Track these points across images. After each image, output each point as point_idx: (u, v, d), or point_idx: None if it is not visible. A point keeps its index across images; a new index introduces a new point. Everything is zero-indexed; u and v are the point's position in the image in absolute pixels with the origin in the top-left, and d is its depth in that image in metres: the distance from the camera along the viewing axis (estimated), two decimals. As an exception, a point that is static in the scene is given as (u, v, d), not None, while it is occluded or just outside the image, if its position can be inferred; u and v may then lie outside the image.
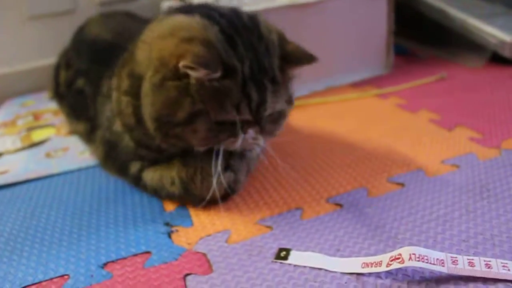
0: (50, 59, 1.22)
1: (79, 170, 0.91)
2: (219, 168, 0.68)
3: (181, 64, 0.59)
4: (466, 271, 0.52)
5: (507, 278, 0.51)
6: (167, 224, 0.69)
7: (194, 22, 0.64)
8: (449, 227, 0.62)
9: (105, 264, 0.62)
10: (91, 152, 0.94)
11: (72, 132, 1.07)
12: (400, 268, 0.54)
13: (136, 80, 0.68)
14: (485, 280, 0.51)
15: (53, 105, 1.21)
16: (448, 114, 0.99)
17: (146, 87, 0.65)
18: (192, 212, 0.72)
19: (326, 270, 0.56)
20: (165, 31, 0.65)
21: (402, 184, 0.74)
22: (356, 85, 1.25)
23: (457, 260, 0.53)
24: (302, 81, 0.72)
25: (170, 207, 0.74)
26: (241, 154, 0.75)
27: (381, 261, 0.55)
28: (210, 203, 0.71)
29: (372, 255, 0.58)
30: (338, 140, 0.93)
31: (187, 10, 0.69)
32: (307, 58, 0.68)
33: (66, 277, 0.60)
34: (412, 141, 0.89)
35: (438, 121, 0.96)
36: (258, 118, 0.66)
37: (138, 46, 0.70)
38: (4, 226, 0.74)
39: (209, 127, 0.64)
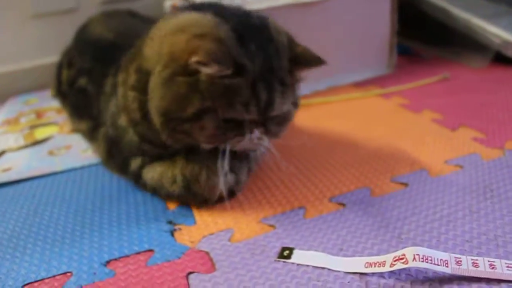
0: (53, 57, 1.22)
1: (82, 168, 0.91)
2: (226, 167, 0.68)
3: (193, 59, 0.59)
4: (470, 271, 0.52)
5: (511, 279, 0.51)
6: (170, 222, 0.69)
7: (206, 19, 0.64)
8: (452, 228, 0.62)
9: (107, 262, 0.62)
10: (94, 150, 0.94)
11: (75, 130, 1.07)
12: (403, 268, 0.53)
13: (144, 76, 0.68)
14: (488, 280, 0.51)
15: (56, 103, 1.21)
16: (451, 114, 0.99)
17: (154, 81, 0.65)
18: (195, 210, 0.72)
19: (329, 269, 0.56)
20: (176, 27, 0.65)
21: (405, 184, 0.74)
22: (359, 84, 1.24)
23: (461, 261, 0.53)
24: (304, 80, 0.72)
25: (173, 205, 0.74)
26: (244, 155, 0.75)
27: (385, 261, 0.54)
28: (209, 203, 0.72)
29: (375, 255, 0.58)
30: (341, 139, 0.93)
31: (198, 8, 0.69)
32: (315, 61, 0.68)
33: (68, 274, 0.60)
34: (415, 141, 0.89)
35: (441, 121, 0.96)
36: (265, 119, 0.66)
37: (147, 42, 0.70)
38: (7, 223, 0.74)
39: (217, 125, 0.64)
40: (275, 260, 0.59)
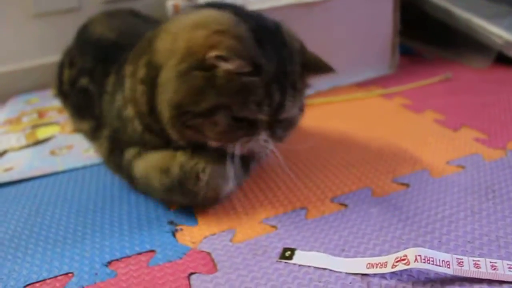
0: (55, 57, 1.22)
1: (84, 168, 0.91)
2: (233, 170, 0.68)
3: (213, 54, 0.60)
4: (472, 272, 0.52)
5: (513, 280, 0.51)
6: (171, 222, 0.69)
7: (225, 17, 0.65)
8: (454, 228, 0.62)
9: (109, 263, 0.62)
10: (96, 150, 0.94)
11: (76, 130, 1.07)
12: (405, 269, 0.53)
13: (153, 69, 0.68)
14: (490, 281, 0.51)
15: (57, 103, 1.21)
16: (453, 115, 0.99)
17: (168, 75, 0.65)
18: (197, 211, 0.72)
19: (330, 270, 0.56)
20: (195, 23, 0.65)
21: (407, 185, 0.74)
22: (361, 85, 1.24)
23: (462, 262, 0.53)
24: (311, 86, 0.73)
25: (174, 205, 0.74)
26: (245, 158, 0.74)
27: (386, 262, 0.54)
28: (203, 205, 0.71)
29: (377, 255, 0.58)
30: (342, 140, 0.93)
31: (217, 6, 0.70)
32: (325, 68, 0.70)
33: (70, 275, 0.60)
34: (417, 141, 0.88)
35: (443, 122, 0.96)
36: (273, 121, 0.66)
37: (160, 36, 0.70)
38: (8, 223, 0.74)
39: (228, 122, 0.64)
40: (277, 261, 0.59)
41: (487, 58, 1.28)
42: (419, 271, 0.54)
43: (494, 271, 0.52)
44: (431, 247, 0.58)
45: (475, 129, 0.91)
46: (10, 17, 1.42)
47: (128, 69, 0.74)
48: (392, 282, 0.53)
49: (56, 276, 0.60)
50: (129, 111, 0.74)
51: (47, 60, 1.44)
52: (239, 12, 0.67)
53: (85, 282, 0.59)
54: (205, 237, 0.65)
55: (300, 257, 0.59)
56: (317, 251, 0.60)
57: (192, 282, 0.57)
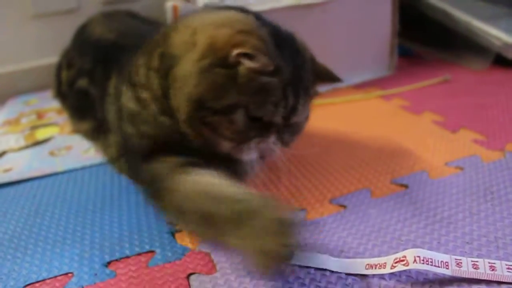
0: (54, 58, 1.22)
1: (83, 168, 0.91)
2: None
3: (236, 51, 0.60)
4: (470, 273, 0.52)
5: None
6: (171, 223, 0.69)
7: (249, 18, 0.67)
8: (452, 229, 0.62)
9: (109, 263, 0.62)
10: (97, 150, 0.94)
11: (75, 131, 1.07)
12: (404, 270, 0.54)
13: (168, 60, 0.68)
14: (488, 282, 0.51)
15: (56, 104, 1.21)
16: (452, 116, 0.99)
17: (187, 68, 0.65)
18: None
19: (330, 271, 0.56)
20: (219, 21, 0.66)
21: (405, 186, 0.74)
22: (360, 86, 1.25)
23: (461, 262, 0.53)
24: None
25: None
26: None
27: (385, 262, 0.55)
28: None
29: (375, 256, 0.58)
30: (341, 141, 0.93)
31: (239, 10, 0.71)
32: (333, 78, 0.74)
33: (70, 275, 0.61)
34: (415, 142, 0.89)
35: (442, 123, 0.96)
36: (285, 124, 0.67)
37: (176, 30, 0.70)
38: (8, 224, 0.74)
39: (245, 122, 0.64)
40: (276, 262, 0.59)
41: (485, 60, 1.28)
42: (418, 272, 0.54)
43: (492, 272, 0.52)
44: (429, 248, 0.58)
45: (474, 130, 0.91)
46: (8, 18, 1.42)
47: (141, 60, 0.73)
48: (391, 282, 0.53)
49: (55, 276, 0.61)
50: (145, 95, 0.71)
51: (46, 61, 1.44)
52: (259, 17, 0.69)
53: (84, 282, 0.59)
54: (204, 238, 0.65)
55: (299, 258, 0.59)
56: (316, 252, 0.60)
57: (191, 282, 0.57)
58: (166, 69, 0.68)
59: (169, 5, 1.17)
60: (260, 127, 0.66)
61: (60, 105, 1.17)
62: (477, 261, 0.53)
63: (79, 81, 0.99)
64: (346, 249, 0.60)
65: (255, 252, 0.52)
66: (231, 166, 0.69)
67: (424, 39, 1.48)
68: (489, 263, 0.53)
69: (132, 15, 1.22)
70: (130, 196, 0.78)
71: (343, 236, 0.63)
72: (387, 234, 0.62)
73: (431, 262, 0.52)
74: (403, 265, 0.53)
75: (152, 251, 0.64)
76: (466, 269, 0.52)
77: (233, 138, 0.66)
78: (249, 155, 0.68)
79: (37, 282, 0.60)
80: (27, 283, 0.60)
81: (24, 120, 1.23)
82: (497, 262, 0.53)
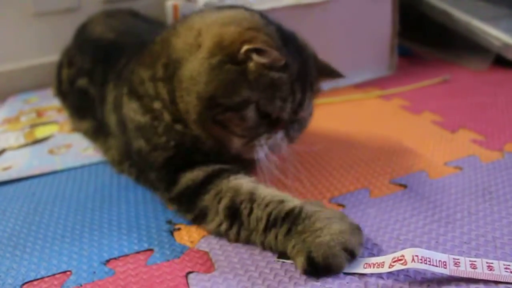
0: (54, 56, 1.22)
1: (82, 167, 0.91)
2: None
3: (249, 47, 0.61)
4: (468, 273, 0.52)
5: (509, 281, 0.51)
6: (169, 222, 0.70)
7: (255, 16, 0.68)
8: (451, 229, 0.62)
9: (107, 261, 0.62)
10: (97, 149, 0.94)
11: (75, 129, 1.07)
12: (402, 269, 0.54)
13: (172, 66, 0.69)
14: (486, 282, 0.51)
15: (56, 102, 1.22)
16: (451, 116, 0.99)
17: (195, 67, 0.65)
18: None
19: (328, 270, 0.56)
20: (225, 20, 0.67)
21: (404, 186, 0.74)
22: (360, 86, 1.25)
23: (459, 262, 0.53)
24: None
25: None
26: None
27: (384, 262, 0.55)
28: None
29: (374, 255, 0.58)
30: (341, 140, 0.93)
31: (244, 8, 0.72)
32: (335, 74, 0.75)
33: (68, 273, 0.61)
34: (415, 142, 0.89)
35: (441, 123, 0.96)
36: (291, 120, 0.69)
37: (179, 33, 0.71)
38: (7, 221, 0.74)
39: (255, 118, 0.65)
40: (275, 261, 0.59)
41: (485, 60, 1.29)
42: (416, 271, 0.54)
43: (490, 272, 0.52)
44: (428, 248, 0.58)
45: (473, 130, 0.91)
46: (9, 17, 1.42)
47: (145, 73, 0.73)
48: (389, 282, 0.53)
49: (54, 274, 0.61)
50: (156, 105, 0.72)
51: (46, 60, 1.44)
52: (263, 15, 0.70)
53: (83, 281, 0.59)
54: (203, 237, 0.65)
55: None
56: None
57: (189, 281, 0.57)
58: (171, 75, 0.69)
59: (169, 4, 1.17)
60: (268, 123, 0.67)
61: (60, 104, 1.17)
62: (475, 261, 0.53)
63: (79, 80, 0.99)
64: (345, 248, 0.60)
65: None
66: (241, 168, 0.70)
67: (424, 39, 1.48)
68: (487, 262, 0.53)
69: (133, 14, 1.23)
70: (129, 195, 0.78)
71: (341, 236, 0.63)
72: (386, 233, 0.63)
73: (429, 261, 0.52)
74: (401, 264, 0.53)
75: (151, 250, 0.64)
76: (464, 269, 0.52)
77: (243, 134, 0.67)
78: (259, 153, 0.68)
79: (36, 280, 0.60)
80: (25, 281, 0.60)
81: (23, 118, 1.23)
82: (495, 262, 0.53)
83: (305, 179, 0.79)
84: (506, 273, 0.51)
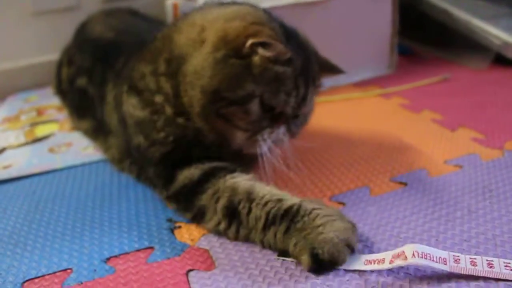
0: (54, 55, 1.22)
1: (83, 165, 0.91)
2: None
3: (254, 40, 0.62)
4: (468, 270, 0.52)
5: (509, 278, 0.51)
6: (170, 220, 0.70)
7: (260, 11, 0.69)
8: (451, 227, 0.62)
9: (108, 259, 0.62)
10: (97, 148, 0.94)
11: (75, 128, 1.07)
12: (402, 266, 0.54)
13: (175, 62, 0.69)
14: (486, 279, 0.51)
15: (56, 101, 1.22)
16: (451, 115, 0.99)
17: (199, 62, 0.65)
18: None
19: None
20: (228, 15, 0.67)
21: (404, 184, 0.74)
22: (359, 84, 1.25)
23: (459, 259, 0.53)
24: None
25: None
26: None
27: (384, 258, 0.55)
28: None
29: (374, 253, 0.58)
30: (341, 139, 0.93)
31: (247, 4, 0.73)
32: (336, 69, 0.77)
33: (69, 271, 0.61)
34: (415, 141, 0.89)
35: (441, 122, 0.96)
36: (294, 115, 0.69)
37: (181, 29, 0.71)
38: (7, 220, 0.74)
39: (259, 112, 0.66)
40: (275, 259, 0.59)
41: (485, 59, 1.28)
42: (416, 269, 0.54)
43: (490, 269, 0.52)
44: (428, 245, 0.58)
45: (473, 129, 0.91)
46: (9, 15, 1.42)
47: (146, 68, 0.73)
48: (389, 279, 0.53)
49: (54, 272, 0.61)
50: (158, 99, 0.72)
51: (45, 58, 1.44)
52: (266, 11, 0.71)
53: (83, 278, 0.59)
54: (203, 235, 0.65)
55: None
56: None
57: (190, 279, 0.57)
58: (174, 70, 0.69)
59: (169, 3, 1.17)
60: (271, 117, 0.68)
61: (60, 102, 1.17)
62: (475, 258, 0.53)
63: (79, 80, 0.99)
64: (345, 246, 0.60)
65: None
66: (243, 165, 0.70)
67: (424, 38, 1.48)
68: (487, 260, 0.53)
69: (133, 13, 1.23)
70: (129, 193, 0.78)
71: (341, 233, 0.63)
72: (386, 231, 0.63)
73: (430, 257, 0.52)
74: (402, 260, 0.53)
75: (151, 247, 0.64)
76: (464, 266, 0.52)
77: (247, 128, 0.67)
78: (262, 147, 0.69)
79: (36, 277, 0.60)
80: (26, 278, 0.60)
81: (23, 117, 1.23)
82: (495, 259, 0.53)
83: (306, 177, 0.79)
84: (506, 271, 0.51)
